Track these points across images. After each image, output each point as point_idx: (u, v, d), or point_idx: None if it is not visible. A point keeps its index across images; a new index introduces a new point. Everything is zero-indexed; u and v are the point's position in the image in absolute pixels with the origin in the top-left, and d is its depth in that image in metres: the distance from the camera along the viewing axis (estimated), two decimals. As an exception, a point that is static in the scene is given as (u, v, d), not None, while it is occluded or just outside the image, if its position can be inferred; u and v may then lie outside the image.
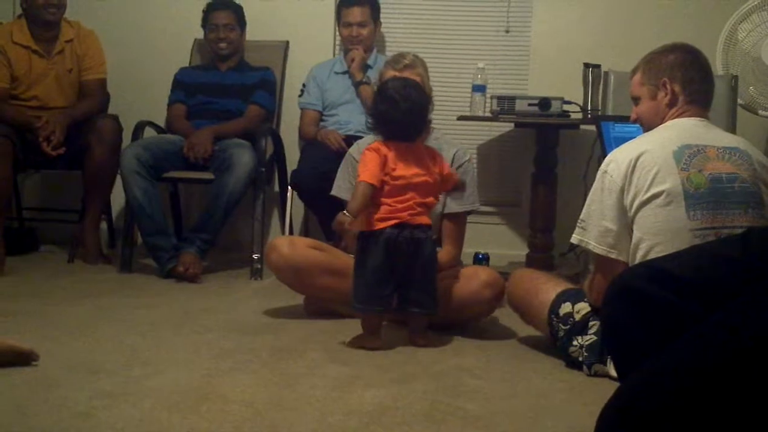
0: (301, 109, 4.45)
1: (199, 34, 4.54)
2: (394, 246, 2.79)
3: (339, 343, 2.85)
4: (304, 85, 4.47)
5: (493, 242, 4.45)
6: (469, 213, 3.29)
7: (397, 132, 2.87)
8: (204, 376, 2.40)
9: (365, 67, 4.33)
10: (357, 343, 2.83)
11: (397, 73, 3.14)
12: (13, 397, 2.14)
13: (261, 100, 4.36)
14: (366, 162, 2.83)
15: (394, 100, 2.86)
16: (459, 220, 3.25)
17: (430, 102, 2.99)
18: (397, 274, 2.83)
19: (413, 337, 2.89)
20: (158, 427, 1.97)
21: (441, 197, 3.16)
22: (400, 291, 2.86)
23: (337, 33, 4.58)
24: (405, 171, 2.83)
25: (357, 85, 4.28)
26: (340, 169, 3.33)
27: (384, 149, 2.84)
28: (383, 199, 2.82)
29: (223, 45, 4.42)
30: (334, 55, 4.67)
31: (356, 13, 4.34)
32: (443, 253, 3.19)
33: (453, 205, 3.21)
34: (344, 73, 4.38)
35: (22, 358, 2.39)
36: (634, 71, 2.63)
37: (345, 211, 2.77)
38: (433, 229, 3.18)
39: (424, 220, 2.86)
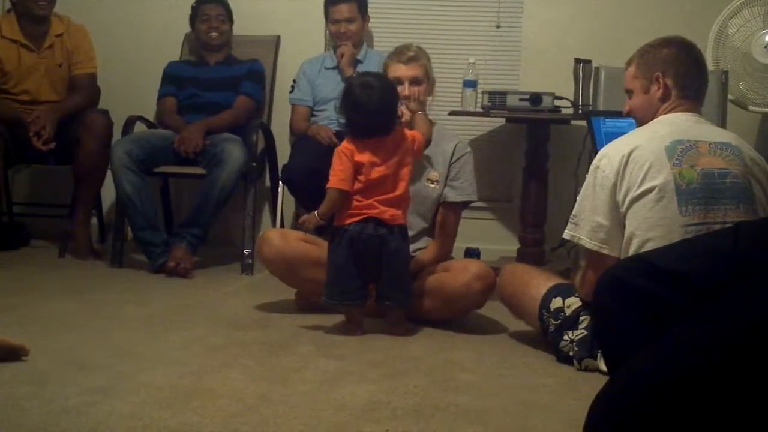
0: (292, 104, 4.44)
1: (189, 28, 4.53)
2: (358, 242, 2.87)
3: (329, 330, 2.86)
4: (294, 81, 4.46)
5: (484, 237, 4.47)
6: (466, 205, 3.31)
7: (364, 132, 2.91)
8: (194, 372, 2.40)
9: (355, 63, 4.33)
10: (340, 330, 2.94)
11: (402, 65, 3.20)
12: (2, 393, 2.13)
13: (249, 90, 4.36)
14: (335, 166, 2.90)
15: (358, 103, 2.90)
16: (455, 210, 3.27)
17: (397, 96, 3.01)
18: (364, 268, 2.90)
19: (390, 328, 2.95)
20: (148, 423, 1.97)
21: (440, 187, 3.17)
22: (376, 285, 2.95)
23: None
24: (372, 169, 2.88)
25: (347, 80, 4.27)
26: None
27: (353, 150, 2.89)
28: (354, 196, 2.89)
29: (214, 34, 4.42)
30: (325, 49, 4.67)
31: (343, 10, 4.33)
32: (434, 246, 3.22)
33: (451, 195, 3.23)
34: (334, 68, 4.38)
35: (12, 354, 2.38)
36: (628, 64, 2.63)
37: (316, 212, 2.89)
38: (428, 219, 3.21)
39: (392, 213, 2.90)
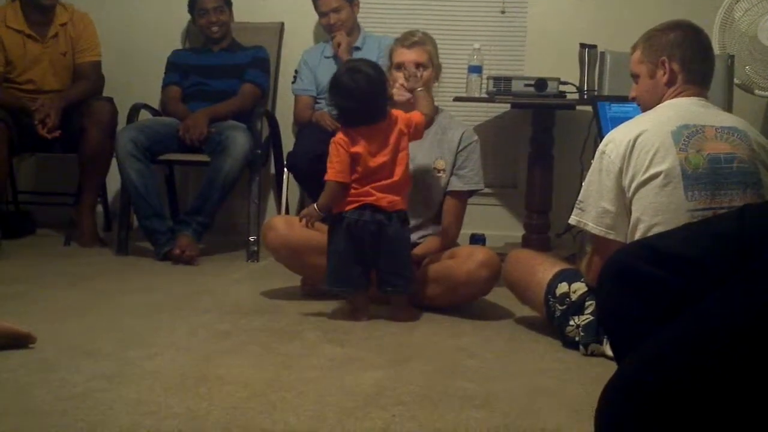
0: (295, 95, 4.43)
1: (194, 15, 4.53)
2: (356, 229, 2.87)
3: (335, 317, 2.87)
4: (296, 71, 4.45)
5: (489, 223, 4.46)
6: (472, 193, 3.30)
7: (357, 119, 2.89)
8: (201, 358, 2.40)
9: (352, 50, 4.30)
10: (346, 316, 2.94)
11: (405, 49, 3.19)
12: (10, 380, 2.14)
13: (254, 78, 4.35)
14: (332, 158, 2.87)
15: (346, 90, 2.88)
16: (461, 198, 3.26)
17: (386, 80, 2.99)
18: (364, 255, 2.90)
19: (394, 314, 2.95)
20: (156, 409, 1.97)
21: (446, 176, 3.17)
22: (376, 272, 2.94)
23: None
24: (369, 157, 2.87)
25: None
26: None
27: (348, 141, 2.86)
28: (352, 184, 2.89)
29: (215, 29, 4.40)
30: (324, 39, 4.65)
31: (329, 0, 4.31)
32: (440, 234, 3.22)
33: (458, 184, 3.23)
34: (333, 57, 4.35)
35: (19, 341, 2.39)
36: (634, 48, 2.61)
37: (315, 205, 2.89)
38: (434, 207, 3.20)
39: (390, 200, 2.90)
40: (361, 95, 2.87)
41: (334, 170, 2.87)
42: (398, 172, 2.91)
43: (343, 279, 2.92)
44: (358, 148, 2.86)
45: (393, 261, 2.92)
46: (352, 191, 2.88)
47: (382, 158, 2.89)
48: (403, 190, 2.96)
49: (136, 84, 4.61)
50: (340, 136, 2.90)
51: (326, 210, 2.91)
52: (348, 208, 2.88)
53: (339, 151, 2.87)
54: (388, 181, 2.90)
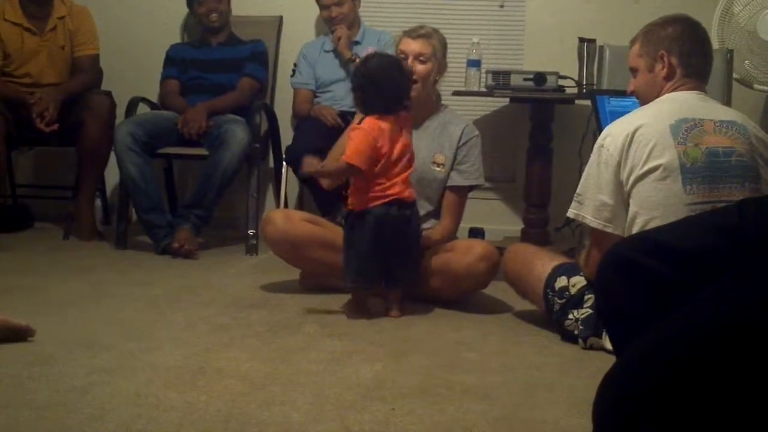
0: (294, 88, 4.43)
1: (192, 9, 4.52)
2: (384, 224, 2.83)
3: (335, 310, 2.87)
4: (295, 65, 4.45)
5: (488, 217, 4.46)
6: (472, 188, 3.30)
7: (383, 106, 2.85)
8: (200, 351, 2.41)
9: (352, 44, 4.30)
10: (346, 312, 2.91)
11: (410, 39, 3.19)
12: (9, 373, 2.14)
13: (253, 72, 4.34)
14: (357, 142, 2.81)
15: (397, 81, 2.86)
16: (461, 193, 3.26)
17: (409, 72, 3.00)
18: (388, 250, 2.87)
19: (390, 309, 2.93)
20: (155, 402, 1.97)
21: (446, 170, 3.17)
22: (387, 264, 2.91)
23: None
24: (394, 148, 2.85)
25: (346, 63, 4.24)
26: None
27: (376, 130, 2.81)
28: (376, 179, 2.84)
29: (214, 17, 4.39)
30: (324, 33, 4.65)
31: None
32: (440, 227, 3.21)
33: (458, 179, 3.22)
34: (333, 51, 4.35)
35: (18, 334, 2.39)
36: (632, 42, 2.61)
37: (323, 165, 2.86)
38: (434, 201, 3.20)
39: (410, 191, 2.90)
40: (405, 83, 2.89)
41: (358, 156, 2.77)
42: (413, 161, 2.91)
43: (367, 276, 2.87)
44: (386, 136, 2.82)
45: (414, 254, 2.93)
46: (377, 186, 2.83)
47: (406, 147, 2.88)
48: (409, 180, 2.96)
49: (134, 77, 4.61)
50: (373, 122, 2.82)
51: (324, 177, 2.87)
52: (375, 204, 2.84)
53: (368, 137, 2.79)
54: (407, 172, 2.88)
